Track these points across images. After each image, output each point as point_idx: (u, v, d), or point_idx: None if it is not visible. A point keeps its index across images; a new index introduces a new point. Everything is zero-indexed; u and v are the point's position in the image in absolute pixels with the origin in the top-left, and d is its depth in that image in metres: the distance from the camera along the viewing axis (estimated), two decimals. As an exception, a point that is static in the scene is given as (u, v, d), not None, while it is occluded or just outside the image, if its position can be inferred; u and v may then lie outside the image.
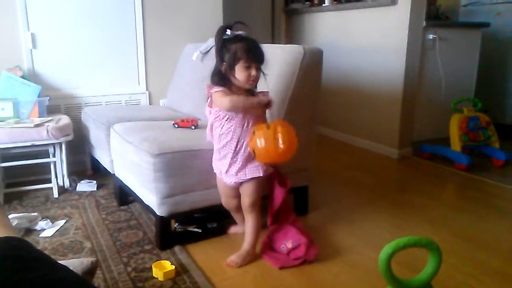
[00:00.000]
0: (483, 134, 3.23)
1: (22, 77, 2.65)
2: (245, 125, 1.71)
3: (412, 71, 3.35)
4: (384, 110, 3.52)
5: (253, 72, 1.65)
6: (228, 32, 1.66)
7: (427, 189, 2.78)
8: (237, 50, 1.64)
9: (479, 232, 2.16)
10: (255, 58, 1.65)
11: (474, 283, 1.70)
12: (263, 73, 1.72)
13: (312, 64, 2.08)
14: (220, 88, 1.67)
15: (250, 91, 1.74)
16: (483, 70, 4.08)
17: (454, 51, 3.80)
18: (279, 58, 2.10)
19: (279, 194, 1.88)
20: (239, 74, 1.65)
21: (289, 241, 1.84)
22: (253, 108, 1.71)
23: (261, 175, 1.76)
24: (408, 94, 3.37)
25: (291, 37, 4.68)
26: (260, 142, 1.63)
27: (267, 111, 1.76)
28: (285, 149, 1.63)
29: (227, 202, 1.91)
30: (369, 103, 3.67)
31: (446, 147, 3.28)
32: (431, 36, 3.60)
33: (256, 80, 1.69)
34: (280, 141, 1.62)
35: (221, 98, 1.66)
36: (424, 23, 3.39)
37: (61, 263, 1.15)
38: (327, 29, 4.13)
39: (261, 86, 1.77)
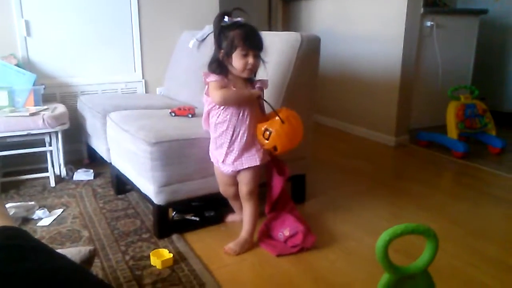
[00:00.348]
0: (479, 121, 3.24)
1: (17, 65, 2.62)
2: (241, 114, 1.70)
3: (410, 58, 3.33)
4: (381, 97, 3.51)
5: (250, 60, 1.63)
6: (226, 19, 1.64)
7: (424, 176, 2.79)
8: (234, 37, 1.62)
9: (475, 219, 2.18)
10: (253, 46, 1.63)
11: (470, 269, 1.71)
12: (263, 60, 1.71)
13: (309, 51, 2.07)
14: (216, 77, 1.66)
15: (250, 80, 1.72)
16: (481, 57, 4.07)
17: (452, 38, 3.79)
18: (276, 45, 2.09)
19: (277, 183, 1.88)
20: (236, 62, 1.64)
21: (286, 229, 1.85)
22: (246, 100, 1.70)
23: (258, 164, 1.76)
24: (405, 82, 3.36)
25: (288, 25, 4.65)
26: (282, 137, 1.70)
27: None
28: (301, 136, 1.76)
29: (225, 190, 1.92)
30: (366, 90, 3.66)
31: (443, 134, 3.29)
32: (428, 23, 3.58)
33: (253, 68, 1.67)
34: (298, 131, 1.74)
35: (213, 91, 1.65)
36: (422, 10, 3.37)
37: (59, 252, 1.15)
38: (325, 16, 4.10)
39: (260, 74, 1.76)
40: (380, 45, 3.45)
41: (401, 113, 3.42)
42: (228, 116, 1.69)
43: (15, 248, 0.82)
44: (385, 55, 3.42)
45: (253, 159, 1.75)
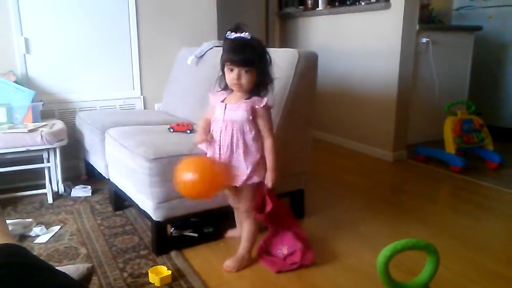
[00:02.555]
0: (477, 136, 3.25)
1: (16, 82, 2.63)
2: (224, 129, 1.67)
3: (406, 74, 3.37)
4: (378, 113, 3.53)
5: (234, 75, 1.61)
6: (228, 33, 1.65)
7: (423, 191, 2.79)
8: (223, 51, 1.65)
9: (476, 234, 2.17)
10: (236, 60, 1.60)
11: (471, 285, 1.70)
12: (266, 76, 1.67)
13: (307, 68, 2.09)
14: (212, 94, 1.73)
15: (250, 94, 1.69)
16: (476, 73, 4.12)
17: (447, 54, 3.83)
18: (273, 62, 2.10)
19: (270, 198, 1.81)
20: (226, 76, 1.66)
21: (284, 246, 1.83)
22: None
23: (257, 181, 1.73)
24: (402, 97, 3.38)
25: (285, 41, 4.69)
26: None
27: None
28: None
29: (232, 201, 1.90)
30: (363, 106, 3.68)
31: (440, 149, 3.30)
32: (424, 40, 3.62)
33: (239, 83, 1.62)
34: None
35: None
36: (417, 27, 3.42)
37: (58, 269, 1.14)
38: (321, 33, 4.14)
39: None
40: (376, 61, 3.49)
41: (399, 128, 3.44)
42: (213, 131, 1.71)
43: (17, 266, 0.81)
44: (382, 70, 3.45)
45: (254, 176, 1.73)
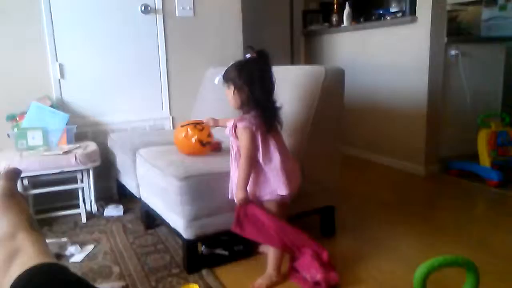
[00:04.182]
0: (513, 149, 3.15)
1: (51, 106, 2.74)
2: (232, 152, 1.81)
3: (436, 87, 3.31)
4: (408, 127, 3.47)
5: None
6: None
7: (458, 206, 2.70)
8: None
9: (515, 250, 2.08)
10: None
11: (514, 304, 1.63)
12: (252, 95, 1.68)
13: (334, 84, 2.09)
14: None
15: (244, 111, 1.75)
16: (510, 84, 4.00)
17: (478, 65, 3.75)
18: (300, 79, 2.11)
19: (254, 209, 1.75)
20: None
21: (307, 275, 1.79)
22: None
23: (272, 198, 1.75)
24: (432, 111, 3.32)
25: (310, 58, 4.71)
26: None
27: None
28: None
29: None
30: (393, 120, 3.63)
31: (475, 163, 3.21)
32: (453, 52, 3.56)
33: (230, 101, 1.74)
34: None
35: None
36: (445, 39, 3.37)
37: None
38: (347, 49, 4.14)
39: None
40: (405, 74, 3.45)
41: (430, 142, 3.37)
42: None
43: (60, 284, 0.83)
44: (411, 84, 3.41)
45: (266, 193, 1.75)
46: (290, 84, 2.14)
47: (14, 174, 1.18)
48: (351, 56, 4.06)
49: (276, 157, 1.72)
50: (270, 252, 1.82)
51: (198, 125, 2.10)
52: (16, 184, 1.19)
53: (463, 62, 3.60)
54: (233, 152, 1.79)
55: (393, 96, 3.60)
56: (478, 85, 3.74)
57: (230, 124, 1.75)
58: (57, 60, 2.88)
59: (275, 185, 1.73)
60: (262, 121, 1.69)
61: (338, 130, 2.20)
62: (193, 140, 2.06)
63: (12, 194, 1.11)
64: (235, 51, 3.41)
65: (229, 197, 1.83)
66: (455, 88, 3.65)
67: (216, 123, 2.11)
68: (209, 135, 2.10)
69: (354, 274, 1.85)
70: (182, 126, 2.13)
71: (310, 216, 2.22)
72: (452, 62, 3.59)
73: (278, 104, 1.74)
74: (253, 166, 1.71)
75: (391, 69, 3.60)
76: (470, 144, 3.30)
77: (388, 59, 3.62)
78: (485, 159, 3.12)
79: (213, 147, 2.24)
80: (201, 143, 2.07)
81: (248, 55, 1.73)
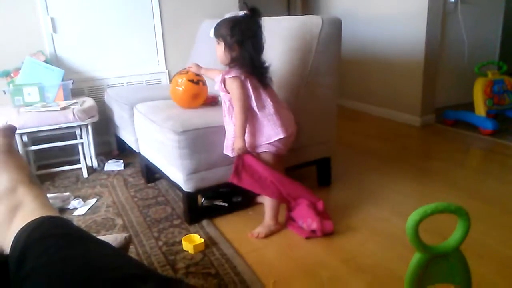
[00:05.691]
0: (508, 97, 3.16)
1: (45, 61, 2.70)
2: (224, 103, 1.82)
3: (434, 35, 3.27)
4: (405, 77, 3.46)
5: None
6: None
7: (452, 155, 2.75)
8: None
9: (506, 197, 2.15)
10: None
11: (503, 248, 1.70)
12: (239, 49, 1.70)
13: (331, 35, 2.06)
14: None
15: (231, 66, 1.75)
16: (508, 32, 3.95)
17: (478, 13, 3.68)
18: (296, 30, 2.08)
19: (251, 160, 1.79)
20: None
21: (303, 224, 1.85)
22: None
23: (265, 150, 1.79)
24: (430, 60, 3.30)
25: (307, 9, 4.60)
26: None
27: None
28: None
29: None
30: (390, 71, 3.61)
31: (470, 112, 3.23)
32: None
33: (219, 56, 1.76)
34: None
35: None
36: (445, -14, 3.29)
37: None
38: (345, -3, 4.04)
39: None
40: (402, 23, 3.39)
41: (426, 92, 3.37)
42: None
43: (62, 236, 0.86)
44: (408, 33, 3.36)
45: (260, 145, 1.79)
46: (286, 34, 2.11)
47: (10, 131, 1.18)
48: (348, 5, 3.96)
49: (269, 103, 1.75)
50: (266, 202, 1.88)
51: (182, 71, 2.13)
52: (13, 141, 1.19)
53: (462, 9, 3.53)
54: (225, 106, 1.80)
55: (390, 45, 3.56)
56: (477, 33, 3.70)
57: (218, 78, 1.74)
58: (48, 14, 2.81)
59: (271, 131, 1.76)
60: (252, 75, 1.71)
61: (334, 82, 2.19)
62: (182, 82, 2.07)
63: (10, 150, 1.12)
64: (230, 3, 3.33)
65: (224, 152, 1.86)
66: (453, 36, 3.60)
67: (198, 69, 2.07)
68: (197, 75, 2.09)
69: (350, 223, 1.92)
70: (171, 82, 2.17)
71: (307, 167, 2.26)
72: (451, 10, 3.52)
73: (267, 64, 1.76)
74: (247, 115, 1.73)
75: (389, 17, 3.53)
76: (467, 93, 3.30)
77: (386, 7, 3.55)
78: (480, 108, 3.14)
79: (210, 101, 2.24)
80: (193, 81, 2.08)
81: (241, 13, 1.70)
